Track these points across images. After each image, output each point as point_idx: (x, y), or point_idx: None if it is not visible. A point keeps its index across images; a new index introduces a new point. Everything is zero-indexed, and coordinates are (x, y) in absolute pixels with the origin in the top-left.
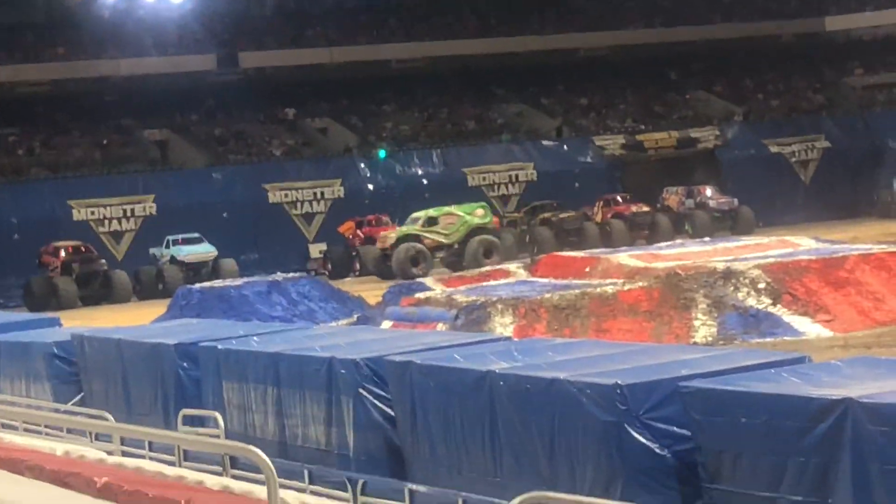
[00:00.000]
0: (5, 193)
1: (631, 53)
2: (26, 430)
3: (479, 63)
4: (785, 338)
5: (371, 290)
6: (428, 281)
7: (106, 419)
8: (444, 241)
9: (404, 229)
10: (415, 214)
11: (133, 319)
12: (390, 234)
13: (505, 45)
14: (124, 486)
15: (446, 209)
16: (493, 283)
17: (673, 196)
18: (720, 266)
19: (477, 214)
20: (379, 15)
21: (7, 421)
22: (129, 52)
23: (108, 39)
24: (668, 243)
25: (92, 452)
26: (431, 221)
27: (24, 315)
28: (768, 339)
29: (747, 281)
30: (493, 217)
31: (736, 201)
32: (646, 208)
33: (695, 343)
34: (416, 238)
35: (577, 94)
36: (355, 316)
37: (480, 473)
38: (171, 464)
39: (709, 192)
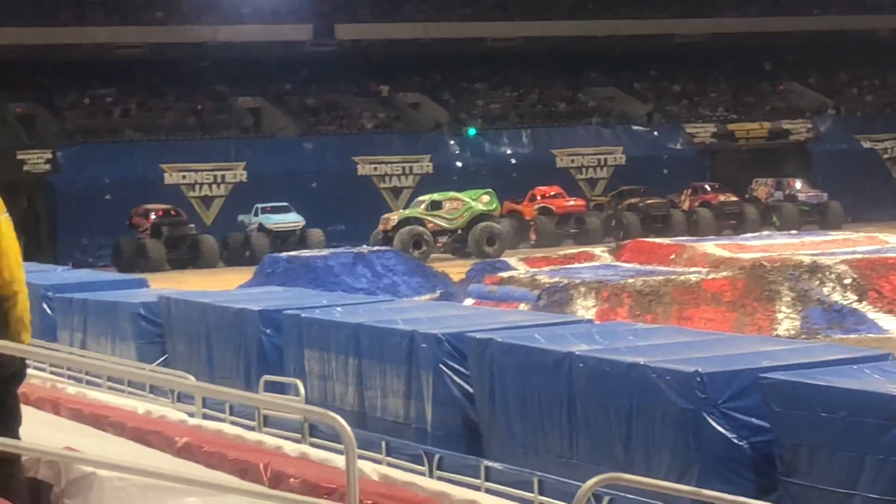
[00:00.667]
0: (99, 154)
1: (725, 41)
2: (110, 387)
3: (573, 45)
4: (869, 335)
5: (455, 267)
6: (511, 260)
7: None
8: (446, 225)
9: (407, 212)
10: (420, 198)
11: (219, 284)
12: (392, 216)
13: (599, 27)
14: (204, 447)
15: (451, 194)
16: (576, 265)
17: (762, 187)
18: (806, 260)
19: (482, 201)
20: None
21: (92, 378)
22: (227, 18)
23: (206, 5)
24: (755, 234)
25: (173, 413)
26: (435, 205)
27: (112, 275)
28: (852, 336)
29: (833, 276)
30: (498, 204)
31: (825, 195)
32: (734, 198)
33: (777, 335)
34: (419, 221)
35: (670, 81)
36: (438, 292)
37: (556, 454)
38: (251, 429)
39: (798, 184)
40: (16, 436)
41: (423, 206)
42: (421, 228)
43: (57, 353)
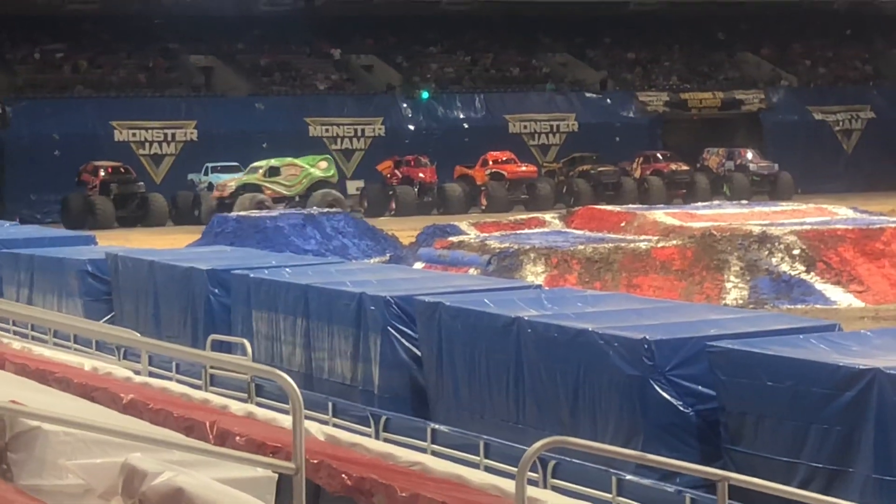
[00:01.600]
0: (48, 109)
1: (680, 10)
2: (56, 344)
3: (528, 10)
4: (816, 305)
5: (405, 231)
6: (462, 225)
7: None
8: (285, 192)
9: (244, 178)
10: (256, 164)
11: (167, 243)
12: (229, 183)
13: None
14: (150, 405)
15: (288, 160)
16: (527, 231)
17: (713, 157)
18: (756, 230)
19: (320, 167)
20: None
21: (38, 334)
22: None
23: None
24: (706, 204)
25: (119, 370)
26: (273, 171)
27: (60, 231)
28: (799, 306)
29: (782, 246)
30: (336, 171)
31: (776, 166)
32: (685, 167)
33: (725, 305)
34: (257, 188)
35: (624, 48)
36: (388, 255)
37: (502, 418)
38: (197, 388)
39: (749, 155)
40: None
41: (260, 172)
42: (262, 195)
43: (5, 307)
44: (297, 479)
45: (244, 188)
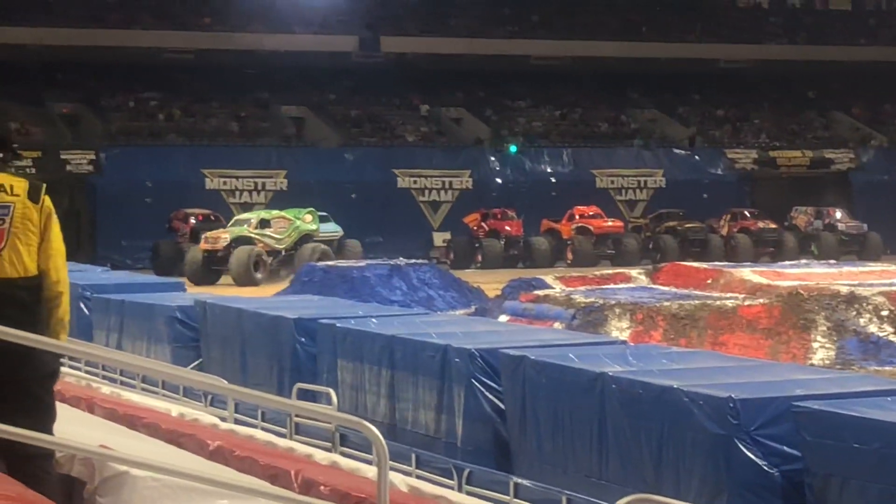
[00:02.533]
0: (142, 156)
1: (771, 68)
2: (144, 389)
3: (617, 66)
4: None
5: (490, 283)
6: (548, 279)
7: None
8: (275, 245)
9: (236, 230)
10: (242, 216)
11: (256, 291)
12: (222, 235)
13: (645, 49)
14: (236, 452)
15: (276, 212)
16: (612, 286)
17: (802, 215)
18: (844, 290)
19: (305, 220)
20: (521, 10)
21: (126, 378)
22: (274, 27)
23: (254, 13)
24: (793, 262)
25: (206, 417)
26: (264, 224)
27: (150, 277)
28: (887, 368)
29: (870, 307)
30: (319, 224)
31: (865, 226)
32: (773, 225)
33: (812, 365)
34: (250, 241)
35: (713, 105)
36: (473, 307)
37: (586, 474)
38: (282, 436)
39: (838, 214)
40: (50, 432)
41: (251, 225)
42: (258, 249)
43: (96, 352)
44: None
45: (237, 241)
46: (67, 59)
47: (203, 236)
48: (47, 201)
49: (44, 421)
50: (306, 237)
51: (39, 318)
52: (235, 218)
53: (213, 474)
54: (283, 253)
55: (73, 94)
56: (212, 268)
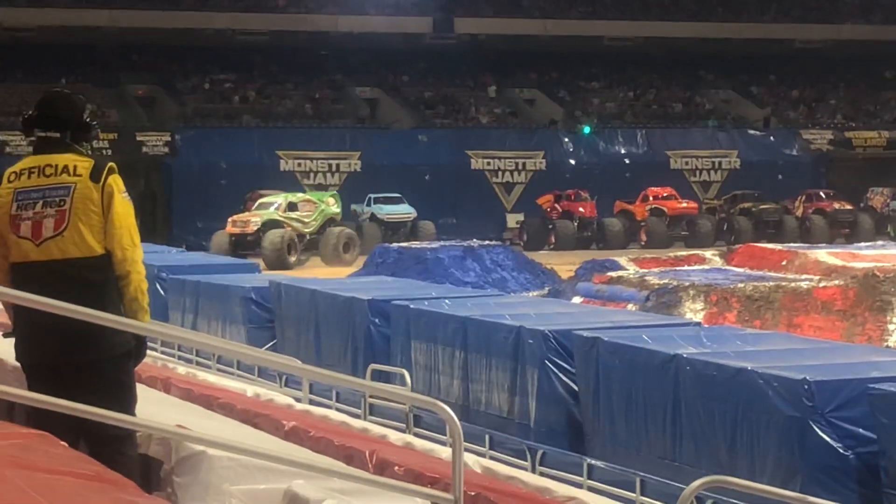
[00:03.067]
0: (217, 138)
1: (846, 48)
2: (220, 370)
3: (691, 46)
4: None
5: (564, 265)
6: (621, 260)
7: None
8: (303, 228)
9: (265, 213)
10: (267, 199)
11: (330, 273)
12: (252, 219)
13: (719, 30)
14: (311, 432)
15: (302, 195)
16: (686, 268)
17: (878, 196)
18: None
19: (329, 203)
20: None
21: (201, 359)
22: (348, 8)
23: None
24: (869, 244)
25: (280, 397)
26: (292, 207)
27: (225, 258)
28: None
29: None
30: (341, 207)
31: None
32: (848, 206)
33: (888, 347)
34: (279, 224)
35: (788, 86)
36: (546, 288)
37: (659, 456)
38: (356, 416)
39: None
40: (131, 413)
41: (280, 209)
42: (290, 231)
43: (172, 332)
44: None
45: (266, 225)
46: (143, 41)
47: (230, 220)
48: (111, 180)
49: (121, 402)
50: (332, 220)
51: (110, 298)
52: (260, 201)
53: (288, 454)
54: (308, 237)
55: (149, 76)
56: (239, 252)
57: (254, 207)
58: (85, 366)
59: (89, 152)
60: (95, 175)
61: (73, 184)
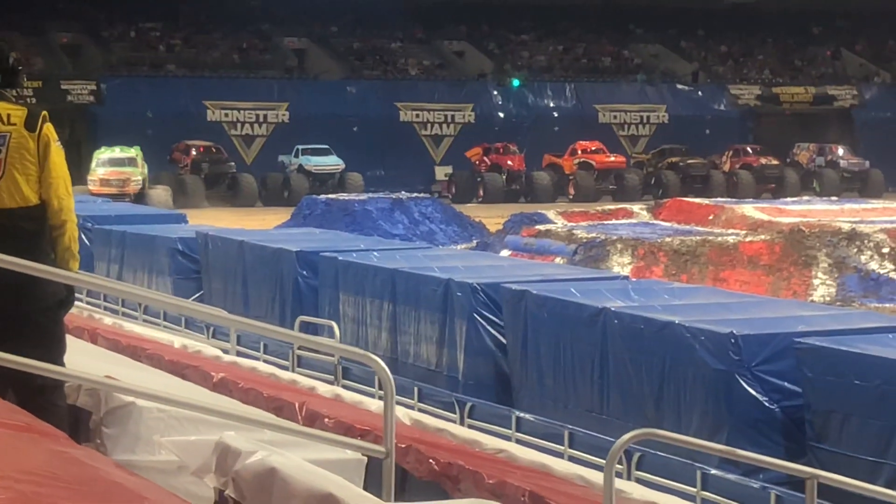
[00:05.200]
0: (143, 87)
1: (775, 4)
2: (146, 320)
3: (621, 0)
4: None
5: (492, 218)
6: (550, 214)
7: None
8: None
9: (136, 170)
10: (110, 153)
11: (257, 224)
12: (133, 178)
13: None
14: (240, 384)
15: (130, 150)
16: (614, 221)
17: (804, 152)
18: (845, 227)
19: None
20: None
21: (127, 310)
22: None
23: None
24: (795, 199)
25: (208, 349)
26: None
27: (151, 209)
28: (887, 305)
29: (871, 244)
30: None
31: (867, 163)
32: (775, 162)
33: (812, 301)
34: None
35: (717, 41)
36: (475, 241)
37: (586, 409)
38: (285, 368)
39: (840, 151)
40: (61, 363)
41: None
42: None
43: (100, 282)
44: (387, 462)
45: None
46: None
47: (98, 178)
48: (46, 129)
49: (52, 352)
50: None
51: (42, 248)
52: (109, 156)
53: (218, 405)
54: None
55: (74, 23)
56: None
57: (96, 164)
58: (17, 316)
59: (14, 100)
60: (30, 123)
61: (7, 133)
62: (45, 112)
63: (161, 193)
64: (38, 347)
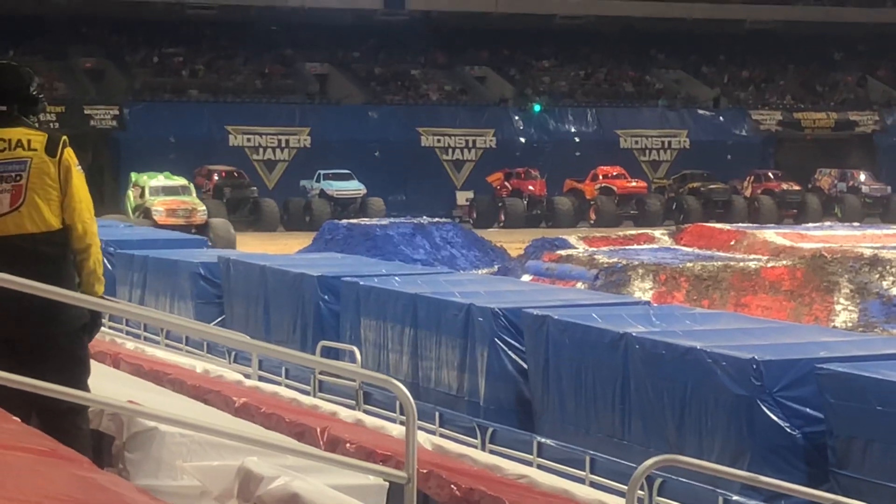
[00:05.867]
0: (166, 112)
1: (796, 29)
2: (168, 345)
3: (642, 25)
4: None
5: (513, 243)
6: (571, 239)
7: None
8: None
9: (192, 199)
10: (158, 181)
11: (278, 248)
12: (199, 208)
13: (670, 9)
14: (262, 409)
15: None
16: (636, 247)
17: (825, 177)
18: (867, 252)
19: None
20: None
21: (149, 335)
22: None
23: None
24: (816, 224)
25: (230, 373)
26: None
27: (174, 233)
28: None
29: (893, 270)
30: None
31: (889, 189)
32: (796, 187)
33: (834, 327)
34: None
35: (738, 66)
36: (496, 266)
37: (608, 434)
38: (306, 393)
39: (862, 177)
40: (85, 388)
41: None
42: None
43: (122, 307)
44: (408, 488)
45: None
46: (91, 13)
47: (162, 208)
48: (67, 154)
49: (76, 376)
50: None
51: (66, 273)
52: (153, 184)
53: (240, 430)
54: None
55: (97, 48)
56: None
57: (150, 192)
58: (42, 340)
59: (36, 125)
60: (51, 149)
61: (28, 158)
62: (65, 137)
63: (222, 225)
64: (62, 372)
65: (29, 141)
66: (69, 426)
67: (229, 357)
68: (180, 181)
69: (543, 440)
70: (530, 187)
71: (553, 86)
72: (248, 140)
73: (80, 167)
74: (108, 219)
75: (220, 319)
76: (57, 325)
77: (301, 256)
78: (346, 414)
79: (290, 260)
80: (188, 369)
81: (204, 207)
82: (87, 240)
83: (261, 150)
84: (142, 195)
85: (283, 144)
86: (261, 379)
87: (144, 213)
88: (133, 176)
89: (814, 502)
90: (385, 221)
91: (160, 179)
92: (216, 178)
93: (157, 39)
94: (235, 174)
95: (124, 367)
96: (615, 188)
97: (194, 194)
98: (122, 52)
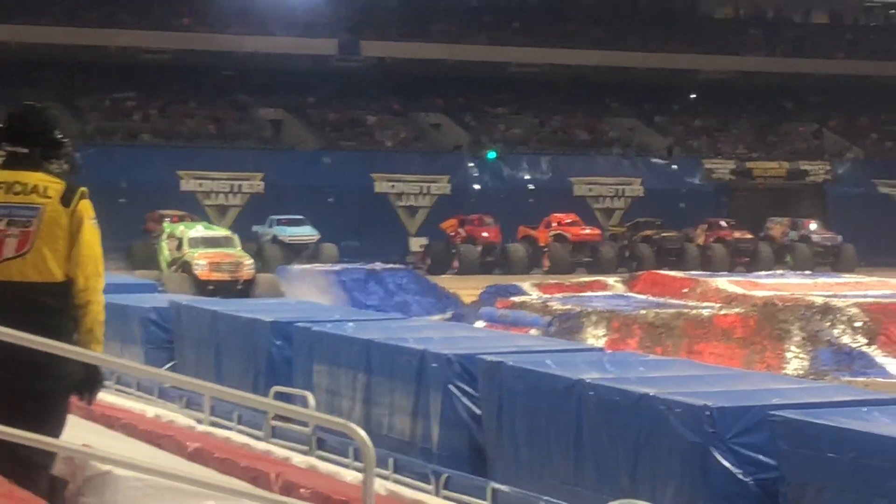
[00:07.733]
0: (117, 156)
1: (749, 80)
2: (118, 390)
3: (597, 74)
4: (877, 378)
5: (467, 289)
6: (525, 285)
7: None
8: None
9: (237, 251)
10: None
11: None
12: (245, 261)
13: (625, 59)
14: (215, 454)
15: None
16: (589, 294)
17: (777, 226)
18: (819, 300)
19: None
20: (502, 16)
21: None
22: (254, 29)
23: (233, 14)
24: (768, 273)
25: (182, 419)
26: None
27: (124, 278)
28: (860, 378)
29: (844, 318)
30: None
31: (840, 238)
32: (749, 235)
33: (786, 374)
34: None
35: (692, 116)
36: (449, 313)
37: (561, 480)
38: (259, 438)
39: (813, 226)
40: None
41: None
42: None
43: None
44: None
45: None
46: (44, 57)
47: (205, 261)
48: (82, 206)
49: (53, 430)
50: None
51: (63, 326)
52: (192, 234)
53: (196, 475)
54: None
55: (49, 92)
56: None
57: (188, 244)
58: (34, 396)
59: (59, 170)
60: (66, 199)
61: (41, 205)
62: (83, 189)
63: (270, 280)
64: (45, 429)
65: (46, 188)
66: (34, 474)
67: (181, 402)
68: (223, 232)
69: (497, 486)
70: (484, 234)
71: (508, 133)
72: (200, 185)
73: (94, 220)
74: (140, 275)
75: (170, 364)
76: (51, 381)
77: (253, 301)
78: (299, 459)
79: (243, 305)
80: (139, 414)
81: (252, 261)
82: (88, 296)
83: (213, 195)
84: (179, 247)
85: (236, 189)
86: (213, 424)
87: (183, 266)
88: (167, 226)
89: None
90: (338, 267)
91: (199, 230)
92: (167, 222)
93: (109, 83)
94: (187, 219)
95: (75, 412)
96: (569, 235)
97: (239, 246)
98: (74, 96)
